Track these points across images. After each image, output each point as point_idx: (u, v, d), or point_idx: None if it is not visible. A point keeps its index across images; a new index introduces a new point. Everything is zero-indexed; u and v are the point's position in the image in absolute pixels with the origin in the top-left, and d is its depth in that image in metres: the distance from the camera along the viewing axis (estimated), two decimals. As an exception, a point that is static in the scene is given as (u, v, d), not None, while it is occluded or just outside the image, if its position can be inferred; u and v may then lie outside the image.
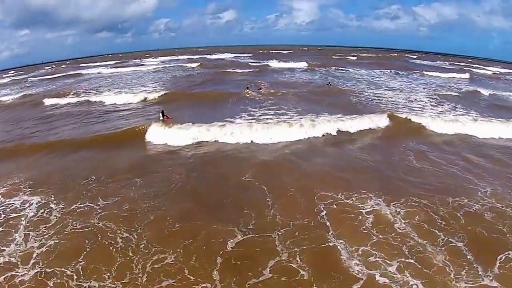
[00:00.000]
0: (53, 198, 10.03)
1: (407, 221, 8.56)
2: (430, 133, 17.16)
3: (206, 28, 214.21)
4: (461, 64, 72.83)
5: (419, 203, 9.43)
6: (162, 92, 27.09)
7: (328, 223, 8.47)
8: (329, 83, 32.40)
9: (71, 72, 57.28)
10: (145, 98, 25.51)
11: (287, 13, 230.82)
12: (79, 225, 8.61)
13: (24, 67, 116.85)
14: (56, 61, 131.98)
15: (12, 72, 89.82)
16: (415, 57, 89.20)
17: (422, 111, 21.36)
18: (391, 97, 26.06)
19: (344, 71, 44.80)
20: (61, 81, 45.87)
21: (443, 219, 8.65)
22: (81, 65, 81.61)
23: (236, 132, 15.39)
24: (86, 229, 8.40)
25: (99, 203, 9.62)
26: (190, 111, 20.66)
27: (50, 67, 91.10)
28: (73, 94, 30.09)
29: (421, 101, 25.01)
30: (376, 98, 25.76)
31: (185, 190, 10.48)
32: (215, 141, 15.18)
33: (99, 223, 8.65)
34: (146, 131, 15.94)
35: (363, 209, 9.10)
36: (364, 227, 8.31)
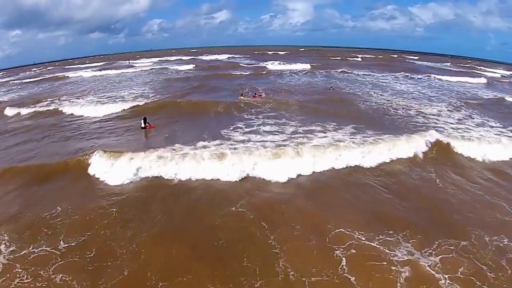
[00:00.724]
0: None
1: (451, 275, 7.00)
2: (469, 159, 13.81)
3: (200, 28, 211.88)
4: (466, 66, 69.96)
5: (456, 246, 7.94)
6: (143, 102, 23.48)
7: (352, 279, 6.86)
8: (332, 87, 30.33)
9: (57, 74, 53.76)
10: (122, 110, 21.87)
11: (282, 14, 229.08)
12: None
13: (15, 68, 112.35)
14: (48, 62, 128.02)
15: (1, 73, 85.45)
16: (416, 58, 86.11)
17: (457, 129, 17.45)
18: (410, 106, 22.68)
19: (347, 74, 41.59)
20: (42, 85, 42.16)
21: (491, 269, 7.21)
22: (70, 66, 78.09)
23: (225, 163, 11.59)
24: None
25: (59, 247, 7.79)
26: (169, 128, 17.29)
27: (38, 68, 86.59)
28: (44, 102, 26.74)
29: (449, 111, 21.56)
30: (390, 104, 22.51)
31: (167, 229, 8.54)
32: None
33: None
34: (89, 164, 12.16)
35: (391, 256, 7.51)
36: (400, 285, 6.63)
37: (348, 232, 8.29)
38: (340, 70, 43.98)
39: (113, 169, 11.39)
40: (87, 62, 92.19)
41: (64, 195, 10.31)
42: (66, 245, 7.90)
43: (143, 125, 17.25)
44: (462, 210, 9.71)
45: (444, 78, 40.42)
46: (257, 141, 14.17)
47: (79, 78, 46.59)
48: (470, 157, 13.82)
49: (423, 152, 13.52)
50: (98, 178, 11.32)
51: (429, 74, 42.41)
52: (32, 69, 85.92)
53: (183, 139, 14.44)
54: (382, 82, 35.28)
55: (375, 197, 10.27)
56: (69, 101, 26.01)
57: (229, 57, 74.16)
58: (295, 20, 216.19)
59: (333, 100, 24.36)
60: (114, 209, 9.30)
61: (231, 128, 16.50)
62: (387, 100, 24.18)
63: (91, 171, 11.69)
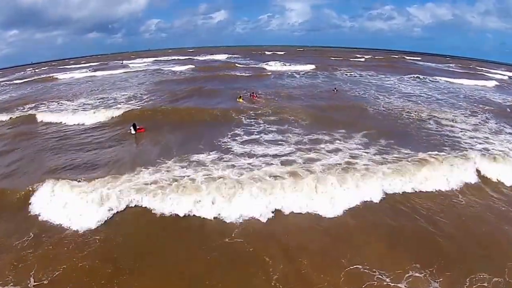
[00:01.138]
0: None
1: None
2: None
3: (198, 28, 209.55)
4: (469, 67, 68.26)
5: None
6: (131, 108, 21.49)
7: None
8: (335, 88, 28.45)
9: (50, 75, 51.92)
10: (110, 117, 19.85)
11: (280, 14, 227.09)
12: None
13: (12, 68, 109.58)
14: (45, 62, 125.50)
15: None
16: (419, 58, 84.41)
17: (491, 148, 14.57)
18: (423, 111, 20.94)
19: (349, 75, 39.98)
20: (29, 87, 40.42)
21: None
22: (65, 66, 76.11)
23: (217, 198, 9.52)
24: None
25: None
26: (161, 137, 15.63)
27: (32, 69, 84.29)
28: (21, 107, 24.89)
29: (479, 124, 18.84)
30: (400, 109, 20.86)
31: None
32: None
33: None
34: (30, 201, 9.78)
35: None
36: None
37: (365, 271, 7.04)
38: (342, 71, 42.44)
39: (75, 208, 8.96)
40: (83, 62, 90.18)
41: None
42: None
43: (133, 131, 16.15)
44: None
45: (452, 80, 38.56)
46: (260, 155, 12.60)
47: (71, 79, 44.77)
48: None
49: (469, 183, 11.34)
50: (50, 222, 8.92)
51: (435, 76, 40.61)
52: (27, 69, 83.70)
53: (177, 152, 12.93)
54: (387, 84, 33.67)
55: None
56: (52, 106, 24.25)
57: (227, 58, 72.33)
58: (293, 20, 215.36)
59: (339, 104, 22.82)
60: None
61: (230, 137, 15.01)
62: (397, 106, 22.50)
63: (36, 210, 9.38)
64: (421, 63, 68.37)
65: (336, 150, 13.23)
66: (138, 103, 23.79)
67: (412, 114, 20.15)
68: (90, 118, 19.66)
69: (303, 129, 16.25)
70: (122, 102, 24.39)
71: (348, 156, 12.60)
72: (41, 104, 25.54)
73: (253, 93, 24.35)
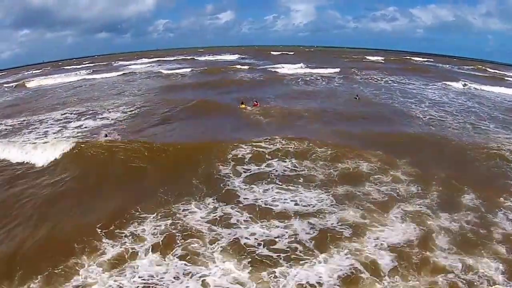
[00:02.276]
0: None
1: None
2: None
3: (205, 28, 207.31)
4: (484, 69, 64.42)
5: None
6: (87, 140, 15.37)
7: None
8: (357, 95, 26.05)
9: (36, 78, 48.02)
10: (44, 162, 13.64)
11: (285, 14, 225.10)
12: None
13: (24, 66, 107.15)
14: (54, 61, 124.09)
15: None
16: (432, 60, 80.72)
17: None
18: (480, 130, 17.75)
19: (366, 78, 36.63)
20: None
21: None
22: (67, 67, 73.65)
23: None
24: None
25: None
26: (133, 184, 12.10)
27: (31, 70, 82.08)
28: None
29: None
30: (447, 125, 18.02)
31: None
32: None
33: None
34: None
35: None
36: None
37: None
38: (361, 75, 38.78)
39: None
40: (87, 62, 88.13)
41: None
42: None
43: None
44: None
45: (482, 87, 34.20)
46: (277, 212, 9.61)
47: (60, 84, 40.68)
48: None
49: None
50: None
51: (460, 80, 36.57)
52: (22, 72, 78.99)
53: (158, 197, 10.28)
54: (411, 89, 30.53)
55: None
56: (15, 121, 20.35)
57: (235, 58, 68.34)
58: (298, 21, 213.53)
59: (369, 118, 19.69)
60: None
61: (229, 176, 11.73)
62: (439, 118, 19.51)
63: None
64: (438, 64, 64.69)
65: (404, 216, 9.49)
66: (111, 126, 18.36)
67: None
68: (42, 156, 13.77)
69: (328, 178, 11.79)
70: (88, 127, 18.75)
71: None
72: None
73: (256, 101, 22.08)
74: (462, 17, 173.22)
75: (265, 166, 12.36)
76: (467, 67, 66.19)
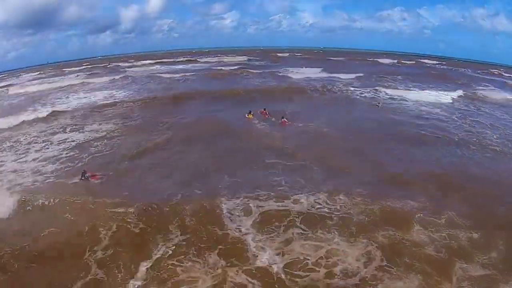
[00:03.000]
0: None
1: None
2: None
3: (210, 29, 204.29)
4: (500, 74, 61.31)
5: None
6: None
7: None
8: (379, 102, 25.16)
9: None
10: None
11: (291, 15, 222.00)
12: None
13: (28, 68, 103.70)
14: (58, 62, 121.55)
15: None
16: (444, 63, 77.54)
17: None
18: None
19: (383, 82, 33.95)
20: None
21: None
22: (63, 70, 70.30)
23: None
24: None
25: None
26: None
27: (30, 73, 78.86)
28: None
29: None
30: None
31: None
32: None
33: None
34: None
35: None
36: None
37: None
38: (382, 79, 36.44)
39: None
40: (86, 64, 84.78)
41: None
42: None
43: (83, 178, 12.06)
44: None
45: None
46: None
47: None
48: None
49: None
50: None
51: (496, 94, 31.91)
52: (21, 73, 76.09)
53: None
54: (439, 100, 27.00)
55: None
56: None
57: (241, 61, 64.94)
58: (304, 21, 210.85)
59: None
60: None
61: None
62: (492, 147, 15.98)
63: None
64: (460, 69, 61.57)
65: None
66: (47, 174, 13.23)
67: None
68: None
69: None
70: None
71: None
72: None
73: (264, 109, 20.57)
74: (470, 17, 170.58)
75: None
76: (480, 70, 63.20)
